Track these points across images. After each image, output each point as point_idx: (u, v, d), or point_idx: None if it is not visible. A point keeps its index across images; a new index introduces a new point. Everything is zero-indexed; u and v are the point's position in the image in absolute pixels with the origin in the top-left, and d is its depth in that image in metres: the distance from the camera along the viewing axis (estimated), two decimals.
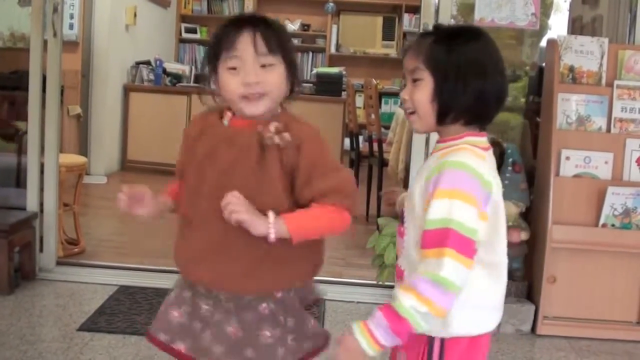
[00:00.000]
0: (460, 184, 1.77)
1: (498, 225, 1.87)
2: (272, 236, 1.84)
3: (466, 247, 1.73)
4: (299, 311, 2.07)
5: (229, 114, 2.00)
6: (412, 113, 1.91)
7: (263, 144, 1.89)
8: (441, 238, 1.73)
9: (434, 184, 1.78)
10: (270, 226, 1.84)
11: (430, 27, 2.03)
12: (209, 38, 1.99)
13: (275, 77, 1.92)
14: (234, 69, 1.90)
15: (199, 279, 2.01)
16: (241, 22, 1.94)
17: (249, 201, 1.85)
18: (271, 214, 1.84)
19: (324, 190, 1.90)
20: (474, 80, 1.83)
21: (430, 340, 1.87)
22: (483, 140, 1.90)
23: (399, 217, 2.01)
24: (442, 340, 1.87)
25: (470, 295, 1.84)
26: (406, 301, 1.71)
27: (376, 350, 1.74)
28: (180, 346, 2.04)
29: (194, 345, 2.02)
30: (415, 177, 1.93)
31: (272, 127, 1.90)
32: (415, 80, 1.88)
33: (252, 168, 1.90)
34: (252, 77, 1.89)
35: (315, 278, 2.13)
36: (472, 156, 1.82)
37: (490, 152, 1.91)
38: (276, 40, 1.93)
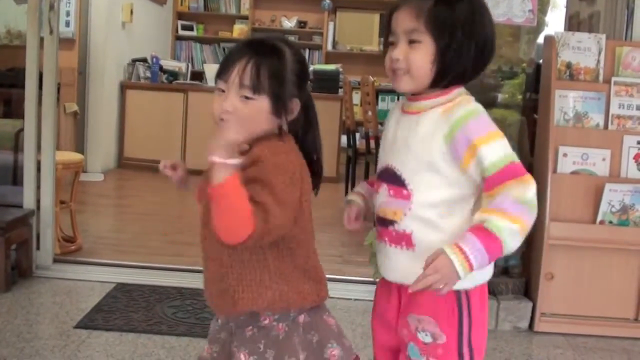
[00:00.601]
0: (489, 126, 1.86)
1: None
2: (211, 159, 1.71)
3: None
4: (284, 348, 1.97)
5: None
6: (404, 73, 1.90)
7: None
8: (511, 172, 1.83)
9: (466, 138, 1.82)
10: (219, 159, 1.71)
11: None
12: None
13: (250, 111, 1.89)
14: (222, 91, 1.91)
15: (207, 302, 2.06)
16: (245, 48, 1.92)
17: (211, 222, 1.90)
18: (236, 160, 1.74)
19: (254, 198, 1.78)
20: (474, 43, 1.87)
21: (458, 294, 1.91)
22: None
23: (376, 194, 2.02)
24: (467, 292, 1.93)
25: None
26: (499, 221, 1.78)
27: (467, 271, 1.76)
28: None
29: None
30: (402, 135, 1.94)
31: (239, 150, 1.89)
32: (412, 41, 1.88)
33: None
34: (227, 105, 1.88)
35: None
36: (476, 103, 1.91)
37: None
38: (267, 76, 1.88)
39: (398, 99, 2.00)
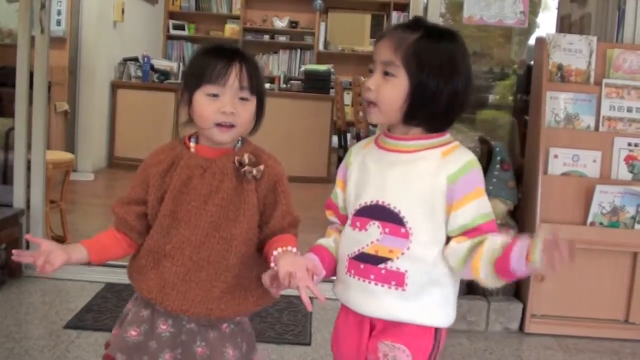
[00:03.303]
0: (483, 181, 1.90)
1: None
2: None
3: None
4: (251, 337, 2.15)
5: (192, 145, 2.05)
6: (373, 104, 1.89)
7: (239, 174, 1.98)
8: (494, 228, 1.88)
9: (469, 184, 1.85)
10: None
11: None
12: (191, 60, 2.05)
13: (247, 112, 1.99)
14: (215, 95, 1.95)
15: (167, 307, 2.01)
16: (228, 53, 1.99)
17: (224, 227, 1.97)
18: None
19: (292, 222, 2.06)
20: (451, 86, 1.83)
21: (436, 331, 1.93)
22: None
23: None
24: (441, 330, 1.95)
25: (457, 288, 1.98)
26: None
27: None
28: None
29: None
30: (396, 172, 1.90)
31: (247, 158, 1.99)
32: (386, 73, 1.85)
33: (230, 196, 1.98)
34: (230, 107, 1.94)
35: None
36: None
37: None
38: (255, 78, 1.99)
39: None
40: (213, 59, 1.97)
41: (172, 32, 11.46)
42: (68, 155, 5.45)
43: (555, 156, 4.17)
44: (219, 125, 1.95)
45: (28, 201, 4.65)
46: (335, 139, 8.72)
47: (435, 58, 1.82)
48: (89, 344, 3.61)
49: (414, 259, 1.87)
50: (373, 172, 1.94)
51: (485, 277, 1.83)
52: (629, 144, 4.17)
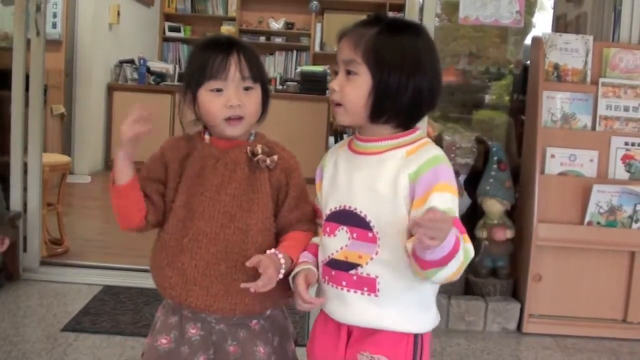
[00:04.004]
0: (453, 179, 1.79)
1: None
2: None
3: None
4: (284, 328, 2.13)
5: (206, 137, 2.04)
6: (339, 105, 1.86)
7: (252, 164, 1.97)
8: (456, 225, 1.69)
9: (432, 179, 1.75)
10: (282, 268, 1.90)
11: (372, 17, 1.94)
12: (189, 58, 2.04)
13: (254, 101, 1.99)
14: (219, 90, 1.95)
15: (192, 304, 1.99)
16: (225, 46, 1.98)
17: (239, 218, 1.95)
18: (281, 257, 1.91)
19: (301, 216, 2.03)
20: (415, 81, 1.78)
21: (416, 338, 1.88)
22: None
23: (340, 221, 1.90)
24: (422, 336, 1.90)
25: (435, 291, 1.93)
26: (468, 244, 1.73)
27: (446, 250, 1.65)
28: None
29: None
30: (362, 176, 1.85)
31: (260, 148, 1.98)
32: (349, 72, 1.82)
33: (243, 186, 1.97)
34: (236, 100, 1.94)
35: None
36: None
37: None
38: (256, 65, 2.00)
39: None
40: (211, 54, 1.96)
41: (168, 34, 11.43)
42: (65, 158, 5.44)
43: (552, 156, 4.17)
44: (228, 119, 1.95)
45: (25, 204, 4.65)
46: (332, 139, 8.71)
47: (396, 51, 1.78)
48: (87, 346, 3.60)
49: (384, 263, 1.82)
50: (342, 176, 1.91)
51: (423, 277, 1.75)
52: (626, 143, 4.17)
